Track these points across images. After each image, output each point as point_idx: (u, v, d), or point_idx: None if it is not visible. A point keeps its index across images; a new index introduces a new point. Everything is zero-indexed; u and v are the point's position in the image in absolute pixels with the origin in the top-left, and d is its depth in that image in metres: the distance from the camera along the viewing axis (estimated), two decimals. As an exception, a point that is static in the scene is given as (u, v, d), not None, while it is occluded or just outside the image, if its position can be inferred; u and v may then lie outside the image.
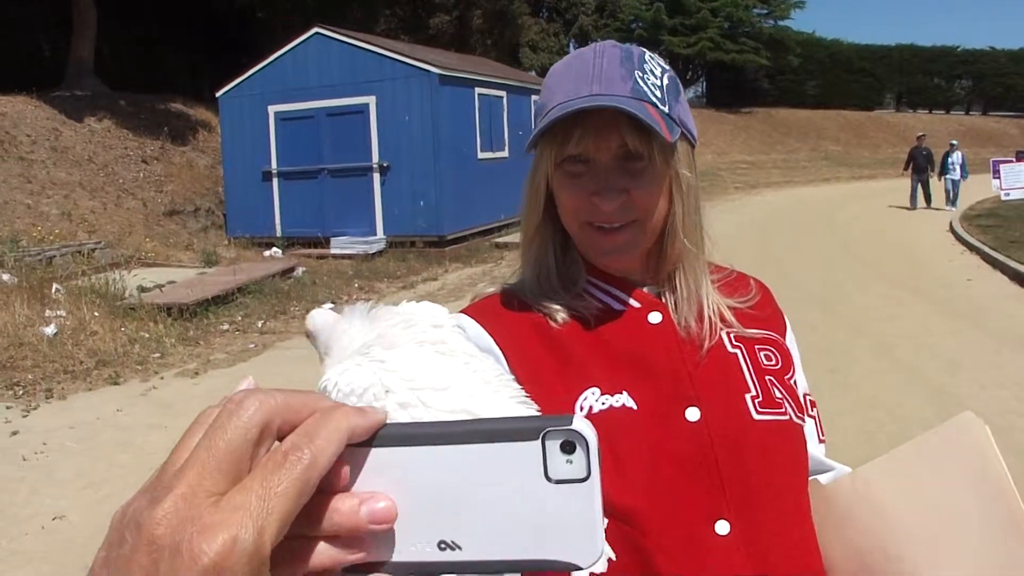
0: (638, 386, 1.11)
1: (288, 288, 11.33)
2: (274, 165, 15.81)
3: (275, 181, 15.85)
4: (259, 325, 9.53)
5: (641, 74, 1.11)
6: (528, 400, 0.82)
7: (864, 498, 1.12)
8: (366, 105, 15.21)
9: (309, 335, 0.93)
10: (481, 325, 1.18)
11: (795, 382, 1.22)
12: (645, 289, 1.21)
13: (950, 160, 21.74)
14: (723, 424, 1.10)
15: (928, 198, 21.75)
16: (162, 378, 7.59)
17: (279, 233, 15.74)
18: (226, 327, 9.41)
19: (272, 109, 15.73)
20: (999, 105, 59.29)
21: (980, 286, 11.08)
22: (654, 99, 1.10)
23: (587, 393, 1.10)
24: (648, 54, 1.16)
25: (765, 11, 51.58)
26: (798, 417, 1.17)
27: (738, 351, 1.18)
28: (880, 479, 1.11)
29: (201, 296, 9.75)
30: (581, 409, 1.09)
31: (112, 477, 5.30)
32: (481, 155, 16.44)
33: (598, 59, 1.12)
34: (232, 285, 10.44)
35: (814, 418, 1.25)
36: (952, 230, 17.03)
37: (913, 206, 21.59)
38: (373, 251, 14.63)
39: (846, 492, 1.14)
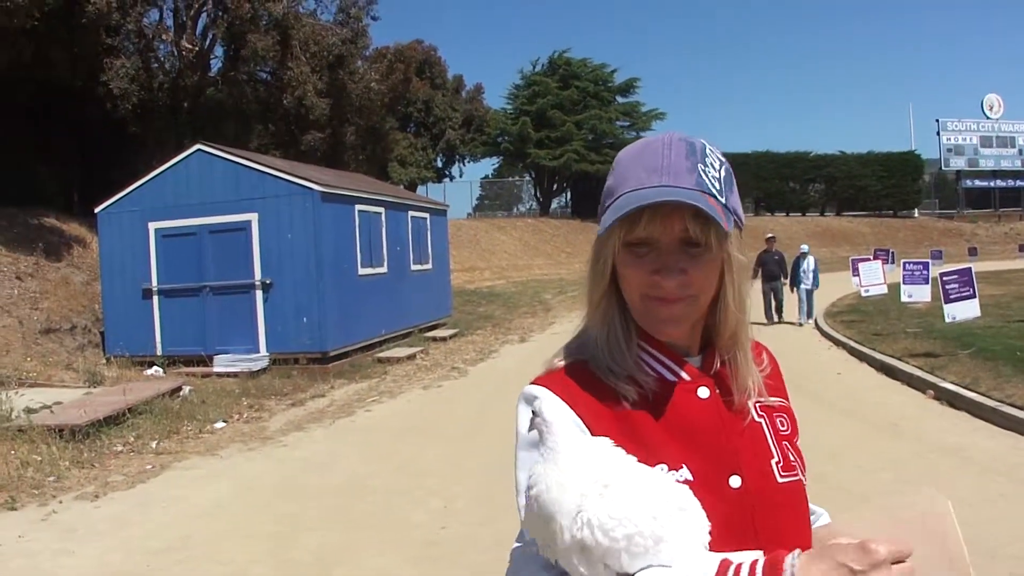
0: (692, 458, 1.25)
1: (178, 407, 11.23)
2: (155, 282, 15.59)
3: (156, 298, 15.60)
4: (153, 445, 9.45)
5: (703, 167, 1.25)
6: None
7: None
8: (248, 222, 15.28)
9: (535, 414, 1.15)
10: (564, 401, 1.28)
11: (800, 445, 1.39)
12: (692, 360, 1.34)
13: (802, 268, 20.07)
14: (758, 489, 1.26)
15: (780, 310, 20.37)
16: (61, 502, 7.45)
17: (159, 351, 15.43)
18: (120, 448, 9.29)
19: (153, 226, 15.59)
20: (851, 206, 63.22)
21: (849, 378, 12.21)
22: (714, 191, 1.24)
23: (656, 469, 1.21)
24: (709, 147, 1.29)
25: (628, 123, 54.00)
26: (804, 476, 1.34)
27: (763, 420, 1.34)
28: (847, 535, 1.18)
29: (93, 417, 9.60)
30: None
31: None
32: (361, 271, 16.68)
33: (666, 150, 1.25)
34: (123, 405, 10.30)
35: None
36: (818, 327, 18.32)
37: (769, 319, 20.11)
38: (257, 368, 14.54)
39: (818, 541, 1.29)
